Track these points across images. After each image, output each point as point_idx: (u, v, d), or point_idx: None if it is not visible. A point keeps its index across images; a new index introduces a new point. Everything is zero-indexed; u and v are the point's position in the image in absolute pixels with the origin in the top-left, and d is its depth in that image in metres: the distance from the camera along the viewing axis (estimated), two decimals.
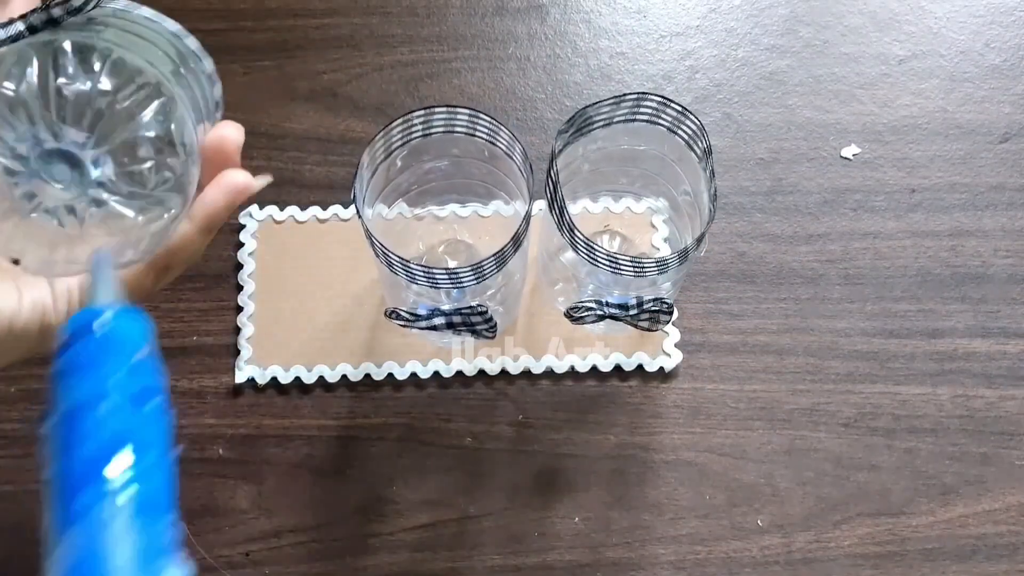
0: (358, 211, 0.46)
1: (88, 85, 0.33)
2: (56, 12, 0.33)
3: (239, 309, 0.60)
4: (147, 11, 0.37)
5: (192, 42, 0.38)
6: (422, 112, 0.48)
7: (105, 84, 0.33)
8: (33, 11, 0.33)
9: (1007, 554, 0.55)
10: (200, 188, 0.37)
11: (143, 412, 0.26)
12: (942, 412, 0.58)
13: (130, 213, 0.34)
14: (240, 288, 0.60)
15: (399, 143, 0.50)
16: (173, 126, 0.34)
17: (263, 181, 0.39)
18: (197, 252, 0.39)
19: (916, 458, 0.57)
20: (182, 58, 0.37)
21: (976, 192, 0.64)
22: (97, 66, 0.33)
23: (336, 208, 0.62)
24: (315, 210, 0.62)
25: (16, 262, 0.35)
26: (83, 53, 0.33)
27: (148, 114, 0.34)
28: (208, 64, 0.38)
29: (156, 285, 0.39)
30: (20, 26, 0.33)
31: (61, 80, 0.32)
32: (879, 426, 0.58)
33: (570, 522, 0.56)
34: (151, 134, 0.34)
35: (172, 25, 0.37)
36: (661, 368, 0.59)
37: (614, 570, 0.55)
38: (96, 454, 0.24)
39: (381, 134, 0.48)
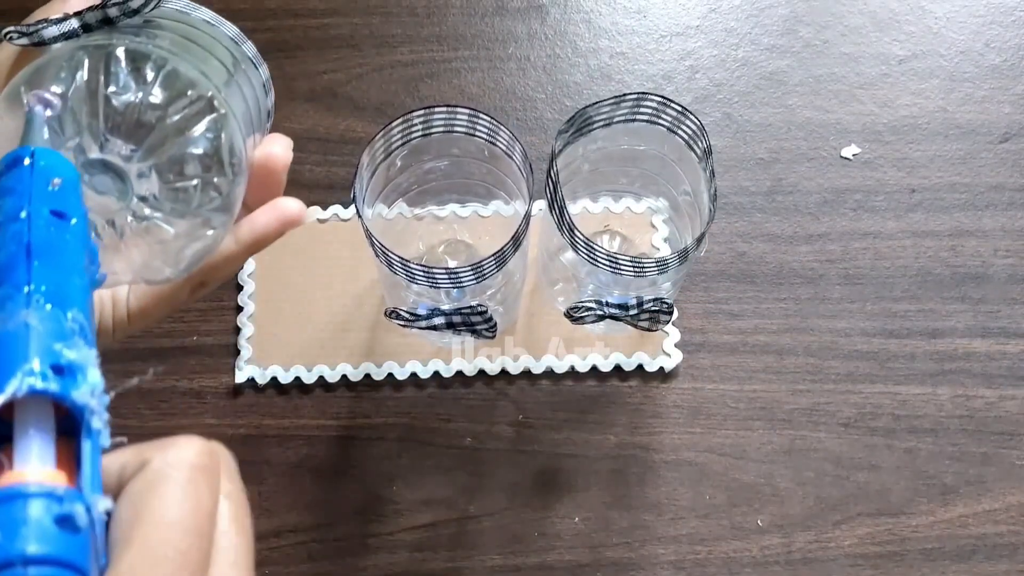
0: (358, 211, 0.46)
1: (139, 96, 0.31)
2: (112, 12, 0.32)
3: (239, 309, 0.60)
4: (206, 13, 0.36)
5: (250, 48, 0.36)
6: (422, 112, 0.48)
7: (156, 96, 0.31)
8: (89, 9, 0.32)
9: (1007, 554, 0.55)
10: (245, 205, 0.35)
11: (62, 227, 0.26)
12: (942, 412, 0.58)
13: (172, 230, 0.33)
14: (240, 288, 0.60)
15: (399, 143, 0.50)
16: (223, 144, 0.33)
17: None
18: (235, 269, 0.37)
19: (916, 458, 0.57)
20: (237, 66, 0.35)
21: (976, 192, 0.64)
22: (150, 76, 0.32)
23: (336, 208, 0.62)
24: (315, 210, 0.62)
25: None
26: (136, 61, 0.31)
27: (198, 130, 0.32)
28: (264, 72, 0.37)
29: (191, 299, 0.38)
30: (75, 23, 0.32)
31: (111, 89, 0.31)
32: (879, 426, 0.58)
33: (570, 522, 0.56)
34: (200, 151, 0.32)
35: (230, 29, 0.36)
36: (661, 368, 0.59)
37: (614, 570, 0.55)
38: (12, 259, 0.24)
39: (381, 134, 0.48)
